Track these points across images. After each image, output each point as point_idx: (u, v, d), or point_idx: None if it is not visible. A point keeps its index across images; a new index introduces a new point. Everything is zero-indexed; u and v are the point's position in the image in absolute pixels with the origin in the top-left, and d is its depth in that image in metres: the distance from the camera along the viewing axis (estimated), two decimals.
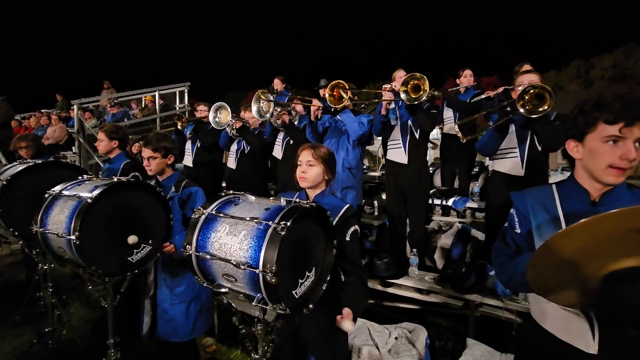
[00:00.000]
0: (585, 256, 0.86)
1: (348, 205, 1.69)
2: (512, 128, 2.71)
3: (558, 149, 2.64)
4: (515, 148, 2.72)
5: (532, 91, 2.36)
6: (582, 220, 0.79)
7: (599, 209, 1.11)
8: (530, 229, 1.21)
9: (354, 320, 1.45)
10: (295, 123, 3.79)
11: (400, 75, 3.81)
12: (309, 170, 1.67)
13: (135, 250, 1.98)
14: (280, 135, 4.05)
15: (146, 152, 2.22)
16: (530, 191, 1.27)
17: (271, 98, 3.71)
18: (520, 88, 2.54)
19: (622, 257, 0.86)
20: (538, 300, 1.16)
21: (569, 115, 1.15)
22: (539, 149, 2.65)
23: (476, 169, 4.59)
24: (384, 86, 3.24)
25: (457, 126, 2.75)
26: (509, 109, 2.55)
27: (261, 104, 3.68)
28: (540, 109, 2.33)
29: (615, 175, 1.05)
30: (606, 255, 0.86)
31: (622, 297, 0.86)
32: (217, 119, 3.89)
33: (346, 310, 1.44)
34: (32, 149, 3.58)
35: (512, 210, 1.30)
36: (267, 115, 3.67)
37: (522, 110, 2.37)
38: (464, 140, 2.75)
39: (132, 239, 1.81)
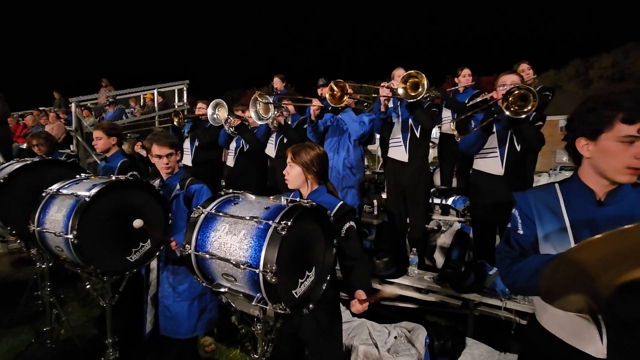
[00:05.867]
0: (603, 267, 0.85)
1: (342, 202, 1.70)
2: (495, 128, 2.73)
3: (537, 150, 2.67)
4: (496, 148, 2.75)
5: (516, 92, 2.38)
6: (601, 234, 0.78)
7: (603, 208, 1.10)
8: (535, 230, 1.18)
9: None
10: (289, 122, 3.76)
11: (399, 73, 3.80)
12: (289, 172, 1.74)
13: (133, 250, 1.97)
14: (274, 134, 4.01)
15: (164, 150, 2.17)
16: (533, 191, 1.24)
17: (270, 100, 3.65)
18: (501, 88, 2.56)
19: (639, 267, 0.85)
20: (543, 303, 1.15)
21: (576, 113, 1.12)
22: (518, 149, 2.67)
23: None
24: (382, 84, 3.22)
25: (453, 124, 2.76)
26: (493, 109, 2.58)
27: (258, 107, 3.62)
28: (525, 110, 2.35)
29: (630, 175, 1.03)
30: (624, 265, 0.85)
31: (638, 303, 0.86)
32: (214, 116, 3.87)
33: (360, 292, 1.55)
34: (45, 147, 3.64)
35: (514, 211, 1.27)
36: (269, 116, 3.58)
37: (507, 112, 2.39)
38: (459, 139, 2.78)
39: (137, 223, 1.78)
